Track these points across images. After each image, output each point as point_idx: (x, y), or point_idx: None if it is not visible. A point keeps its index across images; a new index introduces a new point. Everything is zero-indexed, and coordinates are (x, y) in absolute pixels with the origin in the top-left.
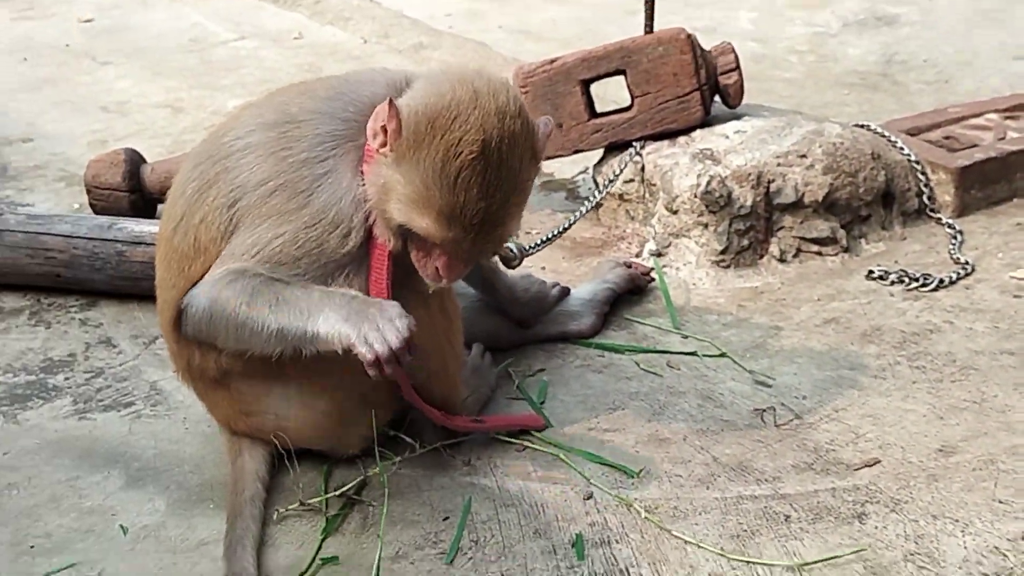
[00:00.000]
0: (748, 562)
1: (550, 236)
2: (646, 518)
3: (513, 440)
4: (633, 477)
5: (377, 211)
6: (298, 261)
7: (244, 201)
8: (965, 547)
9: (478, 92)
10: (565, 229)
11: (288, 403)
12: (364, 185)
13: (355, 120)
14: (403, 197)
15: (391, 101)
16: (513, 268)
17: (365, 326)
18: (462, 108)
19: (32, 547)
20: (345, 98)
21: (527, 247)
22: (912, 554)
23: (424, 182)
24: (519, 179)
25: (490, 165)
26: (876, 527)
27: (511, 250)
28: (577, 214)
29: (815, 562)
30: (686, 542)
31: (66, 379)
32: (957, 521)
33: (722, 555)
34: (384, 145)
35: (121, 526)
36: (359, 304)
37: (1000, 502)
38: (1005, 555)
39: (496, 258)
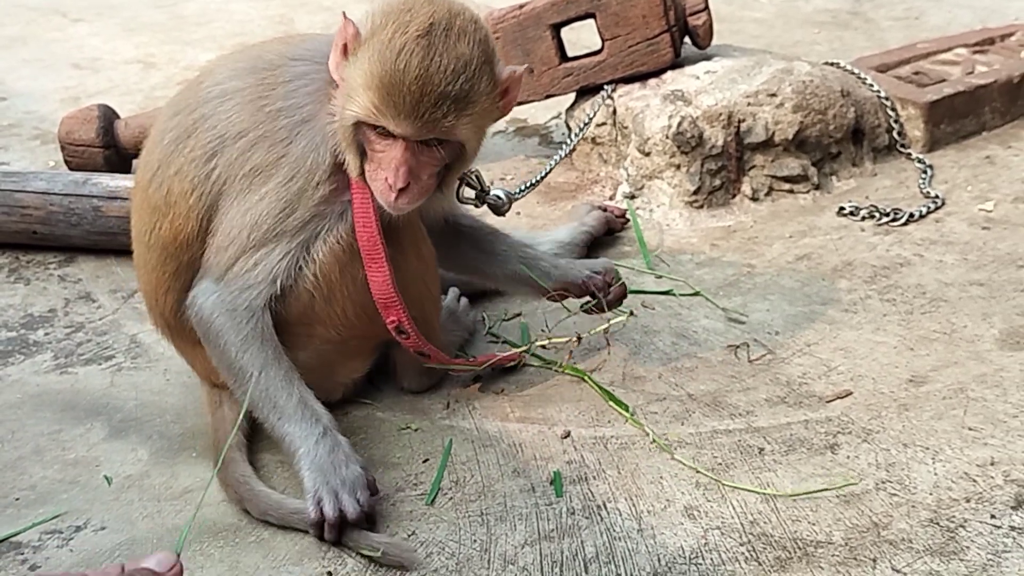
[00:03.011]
0: (733, 487)
1: (533, 182)
2: (653, 440)
3: (549, 367)
4: (627, 411)
5: (339, 132)
6: (287, 221)
7: (225, 155)
8: (935, 474)
9: None
10: (545, 175)
11: None
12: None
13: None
14: (352, 86)
15: (344, 14)
16: (503, 214)
17: (323, 489)
18: (416, 3)
19: (17, 499)
20: (320, 42)
21: (514, 192)
22: (884, 482)
23: (369, 62)
24: (467, 73)
25: (434, 45)
26: (848, 457)
27: (498, 196)
28: (555, 159)
29: (793, 495)
30: (686, 466)
31: (47, 334)
32: (927, 449)
33: (714, 479)
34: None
35: (105, 476)
36: (326, 451)
37: (969, 429)
38: (975, 480)
39: (486, 207)
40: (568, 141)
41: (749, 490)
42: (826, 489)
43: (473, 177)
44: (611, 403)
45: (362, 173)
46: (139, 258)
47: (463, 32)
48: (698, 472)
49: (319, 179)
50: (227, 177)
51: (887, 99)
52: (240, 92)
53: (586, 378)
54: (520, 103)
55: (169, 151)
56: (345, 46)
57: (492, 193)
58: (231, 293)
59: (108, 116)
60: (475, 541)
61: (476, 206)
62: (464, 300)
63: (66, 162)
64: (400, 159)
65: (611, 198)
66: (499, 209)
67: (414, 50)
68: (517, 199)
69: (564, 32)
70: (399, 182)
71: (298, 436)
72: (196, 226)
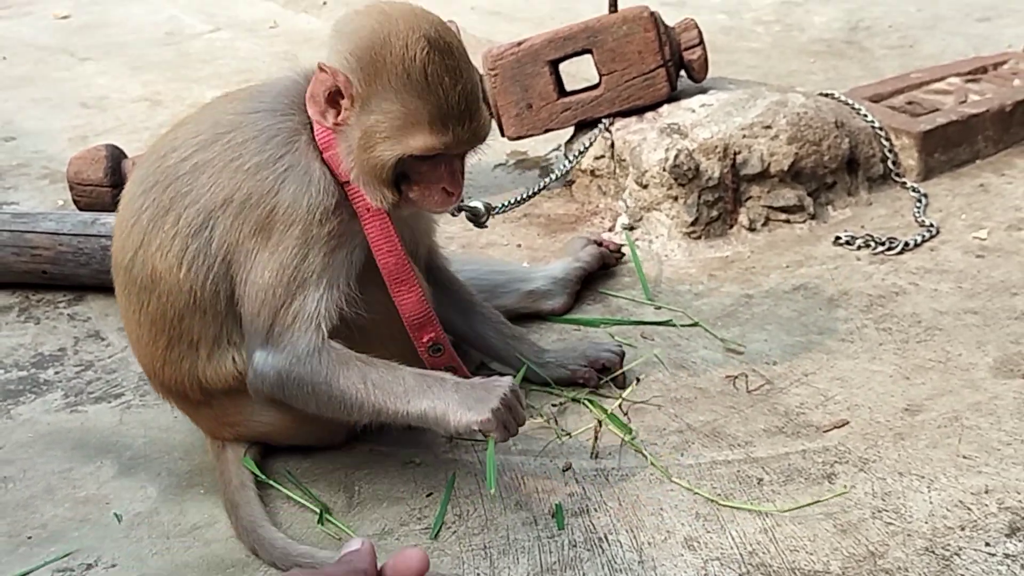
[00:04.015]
0: (731, 507)
1: (517, 200)
2: (652, 463)
3: (556, 394)
4: (629, 433)
5: (365, 173)
6: (303, 267)
7: (219, 227)
8: (931, 502)
9: (385, 11)
10: (532, 195)
11: (269, 408)
12: (328, 171)
13: (291, 112)
14: (387, 130)
15: (321, 65)
16: (483, 226)
17: (501, 412)
18: (387, 26)
19: (29, 538)
20: (270, 94)
21: (494, 206)
22: (880, 511)
23: (401, 102)
24: (468, 58)
25: (443, 52)
26: (845, 486)
27: (478, 208)
28: (547, 180)
29: (791, 509)
30: (685, 488)
31: (56, 373)
32: (923, 477)
33: (712, 501)
34: (339, 112)
35: (115, 514)
36: (468, 392)
37: (964, 457)
38: (969, 508)
39: (464, 213)
40: (562, 167)
41: (746, 508)
42: (819, 501)
43: None
44: (612, 427)
45: (395, 202)
46: (131, 335)
47: (440, 24)
48: (696, 494)
49: (320, 217)
50: (229, 245)
51: (881, 129)
52: (210, 163)
53: (585, 401)
54: (520, 137)
55: (148, 229)
56: (332, 94)
57: (469, 203)
58: (285, 349)
59: (116, 156)
60: (478, 574)
61: (453, 214)
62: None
63: (75, 202)
64: (456, 170)
65: (610, 229)
66: (478, 220)
67: (437, 72)
68: (495, 213)
69: (562, 67)
70: (459, 189)
71: (436, 403)
72: (188, 299)
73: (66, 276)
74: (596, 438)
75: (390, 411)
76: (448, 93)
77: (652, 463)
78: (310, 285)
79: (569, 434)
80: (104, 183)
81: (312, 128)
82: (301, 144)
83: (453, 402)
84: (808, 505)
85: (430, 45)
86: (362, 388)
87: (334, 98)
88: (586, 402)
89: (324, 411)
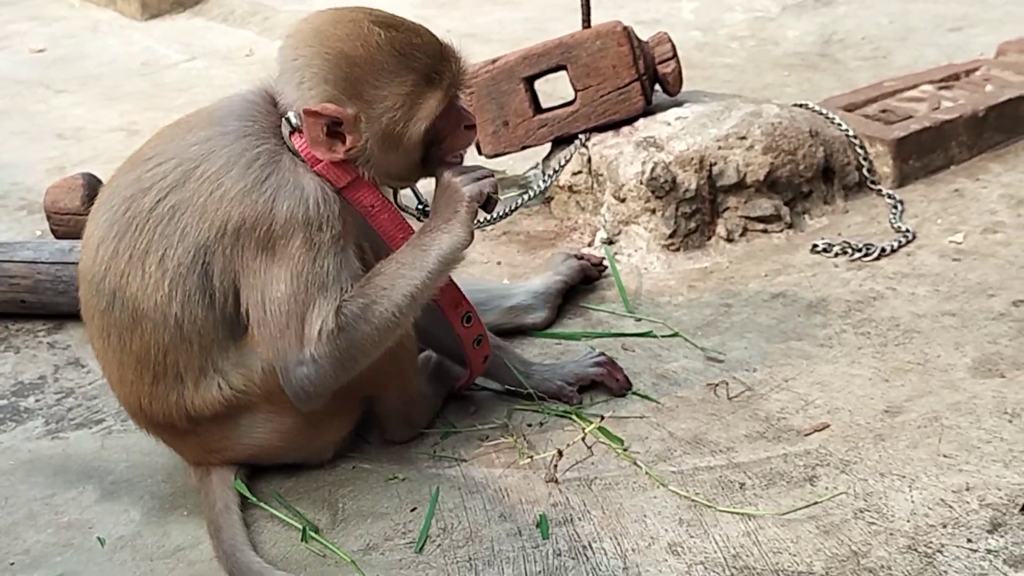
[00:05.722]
0: (724, 511)
1: (490, 219)
2: (647, 473)
3: (537, 410)
4: (621, 444)
5: (395, 167)
6: (319, 271)
7: (218, 259)
8: (912, 501)
9: (320, 28)
10: (507, 214)
11: (257, 429)
12: (323, 181)
13: (262, 134)
14: (402, 117)
15: (307, 111)
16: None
17: (474, 189)
18: (337, 35)
19: (12, 564)
20: (231, 117)
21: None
22: (862, 511)
23: (397, 85)
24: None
25: (392, 23)
26: (827, 488)
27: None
28: (524, 198)
29: (785, 512)
30: (681, 496)
31: (37, 401)
32: (904, 477)
33: (707, 504)
34: (345, 139)
35: (98, 538)
36: (438, 212)
37: (944, 456)
38: (950, 506)
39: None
40: (538, 185)
41: (739, 512)
42: (815, 503)
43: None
44: (605, 438)
45: (425, 172)
46: (111, 376)
47: (369, 7)
48: (693, 501)
49: (320, 225)
50: (235, 273)
51: (855, 137)
52: (189, 200)
53: (575, 415)
54: (497, 155)
55: (126, 272)
56: (329, 128)
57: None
58: (323, 338)
59: (93, 184)
60: None
61: (417, 219)
62: (446, 360)
63: (52, 231)
64: (463, 104)
65: (589, 244)
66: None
67: (404, 39)
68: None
69: (537, 84)
70: (473, 118)
71: (440, 244)
72: (175, 333)
73: (44, 305)
74: (555, 466)
75: (424, 290)
76: (423, 49)
77: (647, 473)
78: (328, 285)
79: (532, 456)
80: (81, 211)
81: (287, 145)
82: (284, 163)
83: (444, 228)
84: (803, 508)
85: (380, 25)
86: (393, 302)
87: (333, 130)
88: (573, 416)
89: (387, 344)
